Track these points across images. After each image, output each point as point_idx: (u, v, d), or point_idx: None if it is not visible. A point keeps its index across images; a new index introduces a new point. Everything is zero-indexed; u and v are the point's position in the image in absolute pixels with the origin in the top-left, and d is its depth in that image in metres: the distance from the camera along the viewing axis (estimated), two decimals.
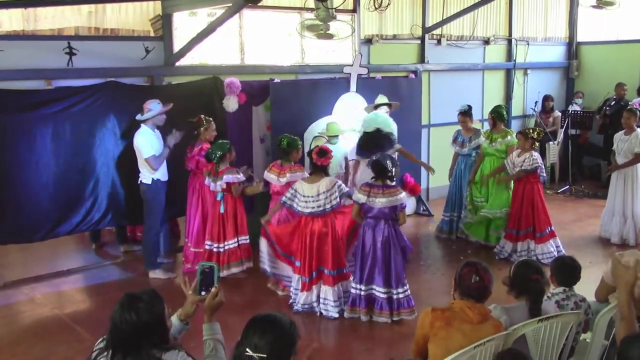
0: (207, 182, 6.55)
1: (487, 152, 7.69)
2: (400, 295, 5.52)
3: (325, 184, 5.63)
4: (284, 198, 5.79)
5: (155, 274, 6.69)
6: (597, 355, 3.49)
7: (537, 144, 7.16)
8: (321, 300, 5.71)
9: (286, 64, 8.56)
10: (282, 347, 2.43)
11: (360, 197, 5.47)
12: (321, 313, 5.71)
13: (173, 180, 6.82)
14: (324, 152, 5.72)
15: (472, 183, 7.78)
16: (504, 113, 7.78)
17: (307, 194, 5.64)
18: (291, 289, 5.93)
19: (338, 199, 5.61)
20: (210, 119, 6.91)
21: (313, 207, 5.62)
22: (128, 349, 2.55)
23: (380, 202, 5.40)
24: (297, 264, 5.79)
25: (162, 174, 6.58)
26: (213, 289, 2.90)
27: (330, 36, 7.25)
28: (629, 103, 9.90)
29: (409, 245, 5.69)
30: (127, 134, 6.72)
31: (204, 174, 6.67)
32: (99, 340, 2.70)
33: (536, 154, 7.05)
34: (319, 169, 5.71)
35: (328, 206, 5.60)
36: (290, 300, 5.88)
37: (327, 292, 5.67)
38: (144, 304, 2.58)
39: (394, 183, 5.61)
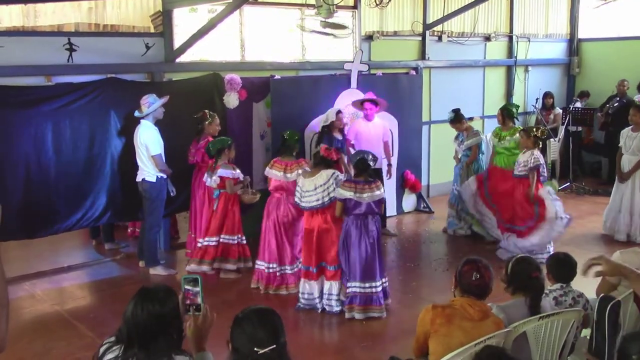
0: (204, 178, 6.60)
1: (496, 150, 7.68)
2: (386, 284, 5.69)
3: (322, 177, 5.63)
4: (295, 199, 5.83)
5: (156, 271, 6.69)
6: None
7: (540, 143, 7.04)
8: (325, 296, 5.71)
9: (287, 61, 8.55)
10: (281, 331, 2.46)
11: (345, 193, 5.42)
12: (323, 309, 5.71)
13: (172, 176, 6.81)
14: (330, 149, 5.83)
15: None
16: (514, 111, 7.70)
17: (306, 189, 5.66)
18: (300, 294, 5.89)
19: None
20: (214, 114, 6.93)
21: (312, 202, 5.64)
22: (144, 342, 2.51)
23: (367, 196, 5.41)
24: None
25: None
26: (200, 312, 2.62)
27: (332, 30, 7.23)
28: (634, 99, 9.87)
29: None
30: (124, 132, 6.73)
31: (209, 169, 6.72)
32: (109, 337, 2.67)
33: (538, 153, 6.95)
34: (322, 162, 5.73)
35: (327, 199, 5.60)
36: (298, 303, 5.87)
37: (333, 287, 5.67)
38: (163, 294, 2.59)
39: (373, 179, 5.63)
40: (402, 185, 9.06)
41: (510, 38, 11.15)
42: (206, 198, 6.87)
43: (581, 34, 12.24)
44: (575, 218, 8.74)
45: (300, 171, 6.01)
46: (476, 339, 3.08)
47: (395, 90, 8.69)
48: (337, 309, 5.65)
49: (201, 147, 6.83)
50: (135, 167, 6.54)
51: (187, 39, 7.18)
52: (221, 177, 6.38)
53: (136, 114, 6.42)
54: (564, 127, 10.80)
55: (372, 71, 8.74)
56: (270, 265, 6.18)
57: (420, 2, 9.79)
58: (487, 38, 10.77)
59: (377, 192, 5.46)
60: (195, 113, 6.90)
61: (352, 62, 8.25)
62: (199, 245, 6.61)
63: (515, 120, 7.79)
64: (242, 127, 7.51)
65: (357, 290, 5.48)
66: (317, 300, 5.72)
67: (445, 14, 9.78)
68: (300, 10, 8.46)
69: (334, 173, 5.68)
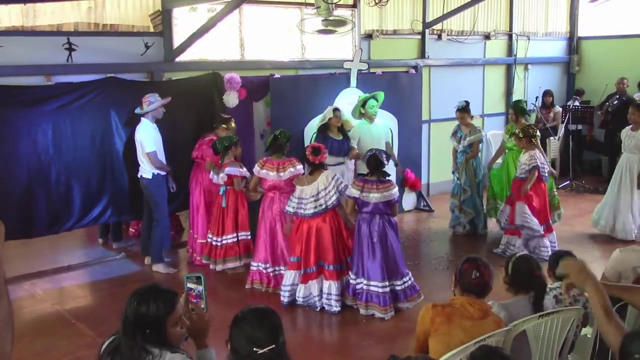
0: (210, 176, 6.65)
1: (507, 147, 7.70)
2: (405, 285, 5.58)
3: (323, 180, 5.62)
4: (287, 208, 5.78)
5: (157, 268, 6.72)
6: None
7: (534, 140, 7.03)
8: (324, 295, 5.69)
9: (286, 60, 8.54)
10: (280, 331, 2.45)
11: (353, 192, 5.47)
12: (322, 308, 5.70)
13: (174, 175, 6.83)
14: (317, 150, 5.74)
15: (490, 172, 7.82)
16: (525, 107, 7.77)
17: (308, 195, 5.64)
18: (283, 287, 5.84)
19: (337, 194, 5.61)
20: (234, 127, 6.97)
21: (315, 207, 5.61)
22: (126, 338, 2.48)
23: (374, 197, 5.40)
24: (293, 259, 5.80)
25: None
26: (200, 310, 2.68)
27: (334, 27, 7.20)
28: (634, 97, 9.85)
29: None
30: (124, 131, 6.78)
31: (206, 166, 6.73)
32: (109, 336, 2.66)
33: (535, 153, 6.91)
34: (318, 167, 5.74)
35: (329, 203, 5.60)
36: (282, 297, 5.79)
37: (331, 287, 5.66)
38: (160, 295, 2.54)
39: (388, 178, 5.60)
40: (402, 184, 9.06)
41: (510, 36, 11.14)
42: (202, 196, 6.93)
43: (581, 32, 12.22)
44: (575, 216, 8.81)
45: (292, 169, 6.00)
46: (476, 337, 3.08)
47: (395, 89, 8.69)
48: (336, 308, 5.63)
49: (204, 143, 6.92)
50: (135, 166, 6.59)
51: (187, 38, 7.17)
52: (229, 175, 6.44)
53: (137, 110, 6.50)
54: (564, 125, 10.81)
55: (372, 70, 8.73)
56: (265, 266, 6.19)
57: (420, 0, 9.78)
58: (487, 36, 10.76)
59: (387, 193, 5.42)
60: (195, 112, 6.96)
61: (352, 60, 8.25)
62: (218, 243, 6.61)
63: (527, 116, 7.81)
64: (242, 126, 7.50)
65: (363, 286, 5.51)
66: (317, 299, 5.70)
67: (445, 12, 9.77)
68: (300, 10, 8.45)
69: (334, 176, 5.66)
